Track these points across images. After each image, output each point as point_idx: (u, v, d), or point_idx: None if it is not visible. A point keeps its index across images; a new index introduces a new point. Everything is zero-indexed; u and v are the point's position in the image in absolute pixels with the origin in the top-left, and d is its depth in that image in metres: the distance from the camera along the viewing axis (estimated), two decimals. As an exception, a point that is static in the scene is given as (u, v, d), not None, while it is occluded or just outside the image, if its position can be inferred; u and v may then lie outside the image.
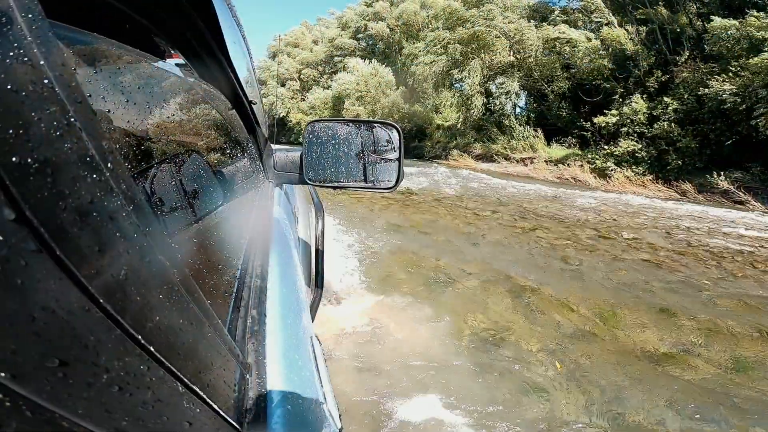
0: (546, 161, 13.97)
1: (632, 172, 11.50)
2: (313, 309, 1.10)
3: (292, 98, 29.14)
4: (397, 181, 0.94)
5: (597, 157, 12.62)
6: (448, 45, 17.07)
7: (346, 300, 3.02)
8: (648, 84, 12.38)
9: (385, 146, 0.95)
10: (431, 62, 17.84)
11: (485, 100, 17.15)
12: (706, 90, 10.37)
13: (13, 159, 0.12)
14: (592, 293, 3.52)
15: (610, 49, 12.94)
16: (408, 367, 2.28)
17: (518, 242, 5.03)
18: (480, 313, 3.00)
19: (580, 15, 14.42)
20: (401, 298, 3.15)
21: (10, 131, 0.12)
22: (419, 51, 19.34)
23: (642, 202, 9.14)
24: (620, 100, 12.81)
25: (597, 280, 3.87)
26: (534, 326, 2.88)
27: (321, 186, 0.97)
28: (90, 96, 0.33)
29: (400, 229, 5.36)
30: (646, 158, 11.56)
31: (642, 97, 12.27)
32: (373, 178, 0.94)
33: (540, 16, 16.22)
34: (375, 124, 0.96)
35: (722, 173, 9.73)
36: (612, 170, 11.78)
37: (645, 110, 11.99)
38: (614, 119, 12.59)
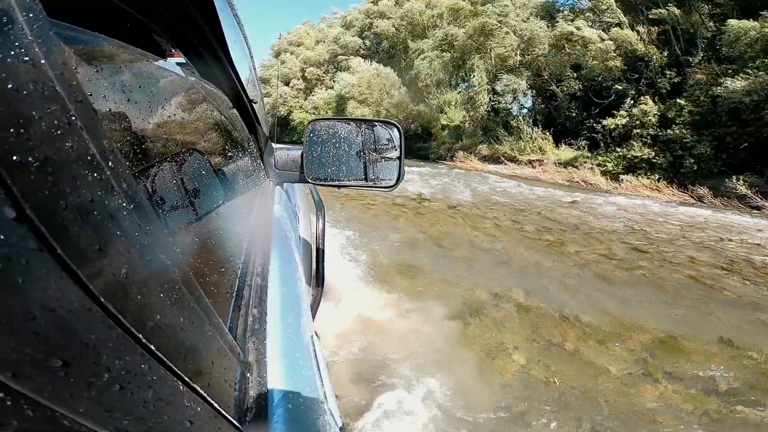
0: (555, 163, 13.67)
1: (648, 179, 11.20)
2: (314, 307, 1.10)
3: (295, 97, 29.06)
4: (398, 180, 0.94)
5: (608, 159, 12.31)
6: (454, 42, 16.97)
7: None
8: (660, 85, 12.14)
9: (385, 145, 0.95)
10: (437, 57, 17.71)
11: (491, 97, 16.94)
12: (718, 89, 10.14)
13: (14, 158, 0.12)
14: (643, 320, 3.21)
15: (620, 49, 12.75)
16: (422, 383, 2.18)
17: (550, 260, 4.70)
18: (524, 350, 2.72)
19: (591, 15, 14.26)
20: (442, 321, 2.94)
21: (11, 130, 0.12)
22: (426, 47, 19.12)
23: (660, 208, 8.86)
24: (631, 102, 12.55)
25: (647, 305, 3.54)
26: (596, 367, 2.57)
27: (322, 185, 0.97)
28: (91, 95, 0.33)
29: (418, 243, 5.04)
30: (663, 164, 11.22)
31: (654, 99, 12.02)
32: (373, 177, 0.94)
33: (548, 16, 16.08)
34: (375, 123, 0.96)
35: (740, 177, 9.49)
36: (622, 179, 11.53)
37: (656, 112, 11.74)
38: (623, 120, 12.33)
